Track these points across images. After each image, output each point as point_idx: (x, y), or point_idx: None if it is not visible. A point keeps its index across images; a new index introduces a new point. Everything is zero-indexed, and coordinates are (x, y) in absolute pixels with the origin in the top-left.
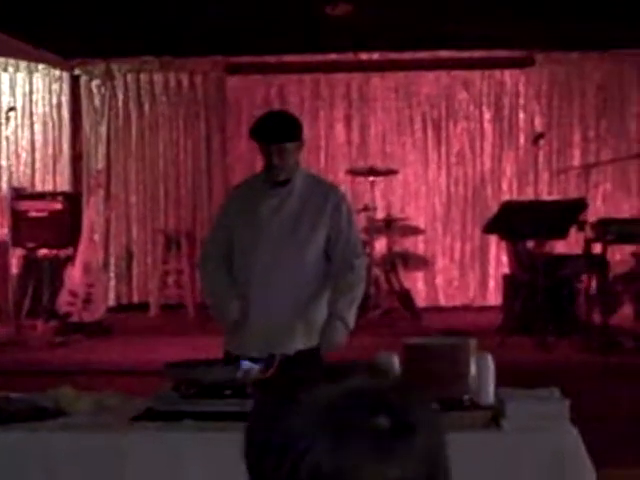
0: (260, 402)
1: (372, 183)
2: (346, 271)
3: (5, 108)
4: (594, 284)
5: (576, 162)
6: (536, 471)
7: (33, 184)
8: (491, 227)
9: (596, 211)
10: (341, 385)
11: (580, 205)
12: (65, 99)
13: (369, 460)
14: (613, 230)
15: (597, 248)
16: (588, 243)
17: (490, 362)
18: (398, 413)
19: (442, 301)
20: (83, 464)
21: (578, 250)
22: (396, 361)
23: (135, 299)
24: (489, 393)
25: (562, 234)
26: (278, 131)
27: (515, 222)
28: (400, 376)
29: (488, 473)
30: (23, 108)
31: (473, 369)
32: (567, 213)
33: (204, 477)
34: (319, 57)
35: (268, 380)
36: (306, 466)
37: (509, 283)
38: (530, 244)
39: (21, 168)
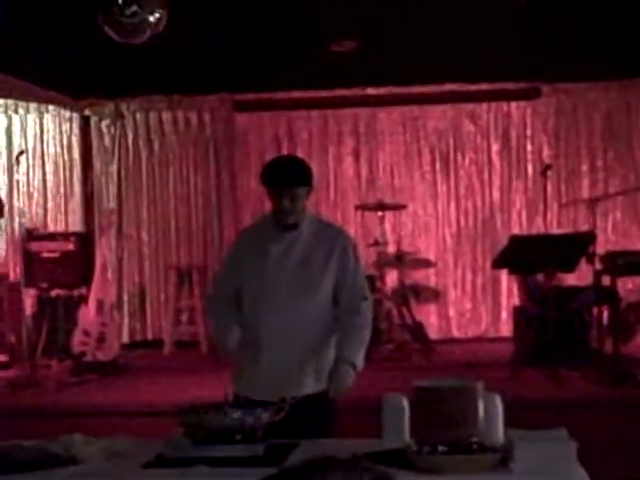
0: None
1: (382, 217)
2: (353, 314)
3: (16, 149)
4: (605, 315)
5: (585, 192)
6: None
7: (46, 224)
8: (500, 262)
9: (606, 240)
10: None
11: (588, 238)
12: (75, 139)
13: None
14: (621, 262)
15: (607, 280)
16: (598, 275)
17: (499, 403)
18: None
19: (455, 333)
20: None
21: (588, 282)
22: (405, 403)
23: (149, 336)
24: (498, 435)
25: (571, 267)
26: (290, 175)
27: (524, 256)
28: (378, 469)
29: None
30: (34, 149)
31: (481, 411)
32: (576, 246)
33: None
34: (326, 93)
35: (278, 424)
36: None
37: (520, 316)
38: (540, 277)
39: (33, 209)
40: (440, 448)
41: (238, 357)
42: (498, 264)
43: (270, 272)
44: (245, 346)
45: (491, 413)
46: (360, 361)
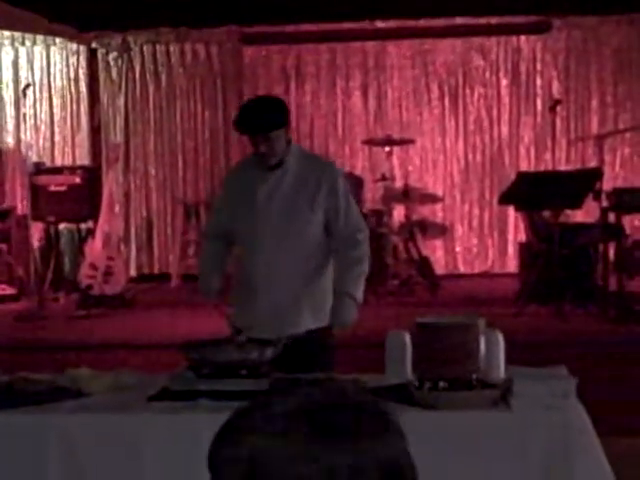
0: (210, 449)
1: (389, 152)
2: (349, 248)
3: (23, 82)
4: (611, 252)
5: (594, 128)
6: (544, 449)
7: (53, 158)
8: (506, 198)
9: (614, 176)
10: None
11: (595, 174)
12: (82, 72)
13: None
14: (628, 199)
15: (613, 217)
16: (604, 212)
17: (500, 340)
18: (358, 437)
19: (461, 268)
20: (100, 444)
21: (594, 219)
22: (408, 339)
23: (156, 270)
24: (498, 372)
25: (577, 204)
26: (261, 121)
27: (530, 193)
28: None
29: (496, 451)
30: (41, 82)
31: (483, 348)
32: (582, 183)
33: None
34: (335, 26)
35: (280, 360)
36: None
37: (525, 252)
38: (546, 213)
39: (41, 142)
40: (441, 384)
41: (218, 301)
42: (504, 200)
43: (259, 213)
44: (241, 287)
45: (492, 350)
46: (360, 294)
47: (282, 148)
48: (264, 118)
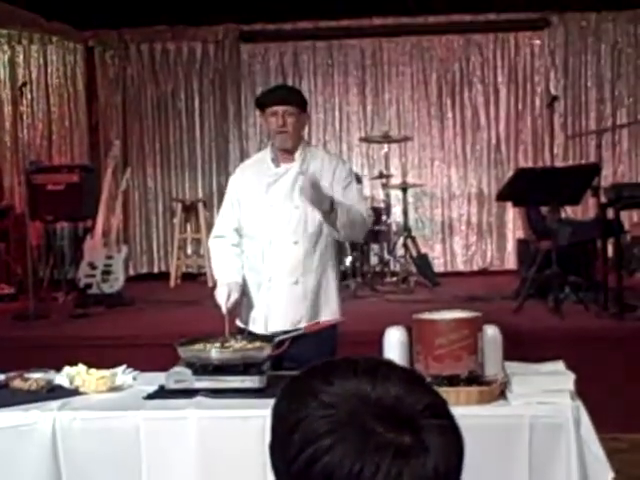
0: (288, 390)
1: (387, 149)
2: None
3: (20, 80)
4: (610, 249)
5: (592, 124)
6: (541, 445)
7: (50, 156)
8: (504, 194)
9: (613, 172)
10: (376, 391)
11: (594, 170)
12: (79, 71)
13: (382, 473)
14: (627, 194)
15: (612, 213)
16: (603, 208)
17: (498, 336)
18: (422, 434)
19: (460, 266)
20: (97, 443)
21: (593, 215)
22: (406, 336)
23: (155, 269)
24: (497, 368)
25: (576, 200)
26: (281, 95)
27: (528, 189)
28: (435, 394)
29: (494, 447)
30: (38, 80)
31: (481, 343)
32: (581, 179)
33: (218, 453)
34: (332, 23)
35: (280, 357)
36: (321, 466)
37: (524, 248)
38: (544, 210)
39: (38, 141)
40: (439, 380)
41: (237, 291)
42: (502, 196)
43: (267, 208)
44: (247, 281)
45: (490, 345)
46: (339, 208)
47: (298, 135)
48: (288, 92)
